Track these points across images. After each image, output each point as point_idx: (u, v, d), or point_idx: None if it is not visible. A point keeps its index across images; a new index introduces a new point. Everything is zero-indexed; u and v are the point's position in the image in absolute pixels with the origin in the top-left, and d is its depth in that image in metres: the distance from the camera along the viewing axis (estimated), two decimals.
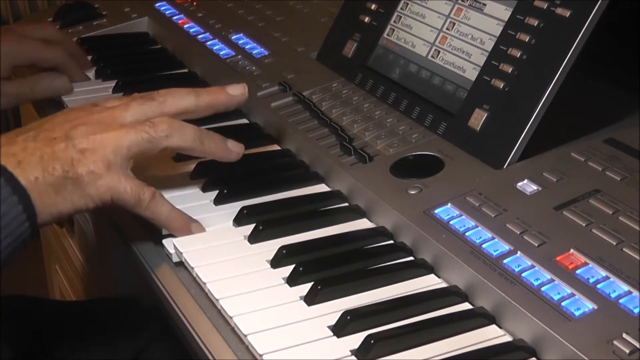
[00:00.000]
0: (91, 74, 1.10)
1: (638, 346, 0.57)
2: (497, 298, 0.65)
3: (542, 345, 0.61)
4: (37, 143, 0.69)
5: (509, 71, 0.80)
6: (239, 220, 0.77)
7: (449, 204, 0.74)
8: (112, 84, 1.06)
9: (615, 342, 0.58)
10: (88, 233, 1.21)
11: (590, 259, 0.66)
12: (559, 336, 0.59)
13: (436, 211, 0.73)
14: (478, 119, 0.81)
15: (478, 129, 0.81)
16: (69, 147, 0.69)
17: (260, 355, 0.61)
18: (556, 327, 0.60)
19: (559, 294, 0.63)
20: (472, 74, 0.84)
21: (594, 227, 0.69)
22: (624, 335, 0.58)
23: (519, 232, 0.69)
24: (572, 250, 0.67)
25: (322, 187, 0.84)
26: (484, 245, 0.69)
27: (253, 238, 0.75)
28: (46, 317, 1.02)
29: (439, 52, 0.89)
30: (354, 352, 0.62)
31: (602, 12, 0.76)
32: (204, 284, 0.69)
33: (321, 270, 0.70)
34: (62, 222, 1.30)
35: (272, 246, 0.73)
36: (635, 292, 0.62)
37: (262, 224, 0.75)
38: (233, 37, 1.14)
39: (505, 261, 0.67)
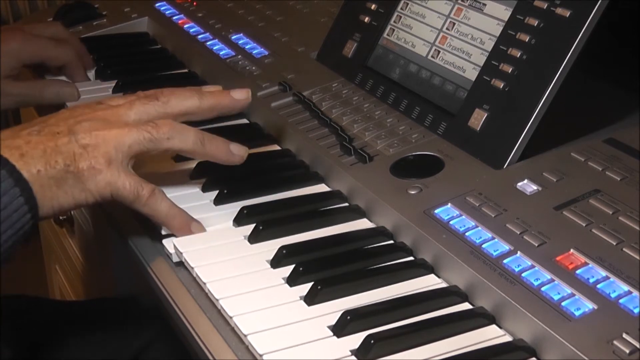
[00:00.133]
0: (91, 74, 1.10)
1: (638, 346, 0.57)
2: (497, 298, 0.65)
3: (542, 345, 0.61)
4: (40, 137, 0.69)
5: (509, 71, 0.80)
6: (239, 220, 0.77)
7: (449, 204, 0.74)
8: (112, 84, 1.06)
9: (615, 342, 0.58)
10: (88, 233, 1.21)
11: (590, 259, 0.66)
12: (559, 336, 0.59)
13: (436, 211, 0.73)
14: (478, 119, 0.81)
15: (478, 129, 0.81)
16: (71, 142, 0.70)
17: (260, 355, 0.61)
18: (556, 327, 0.60)
19: (559, 294, 0.63)
20: (472, 74, 0.84)
21: (594, 227, 0.69)
22: (624, 335, 0.58)
23: (519, 232, 0.69)
24: (572, 250, 0.67)
25: (322, 187, 0.84)
26: (484, 245, 0.69)
27: (253, 238, 0.75)
28: (46, 317, 1.03)
29: (439, 52, 0.89)
30: (354, 352, 0.62)
31: (602, 12, 0.76)
32: (204, 284, 0.69)
33: (321, 270, 0.70)
34: (62, 217, 1.30)
35: (272, 246, 0.73)
36: (635, 292, 0.62)
37: (262, 224, 0.75)
38: (233, 37, 1.14)
39: (505, 261, 0.67)
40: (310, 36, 1.10)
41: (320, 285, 0.67)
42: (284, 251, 0.72)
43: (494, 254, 0.68)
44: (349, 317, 0.63)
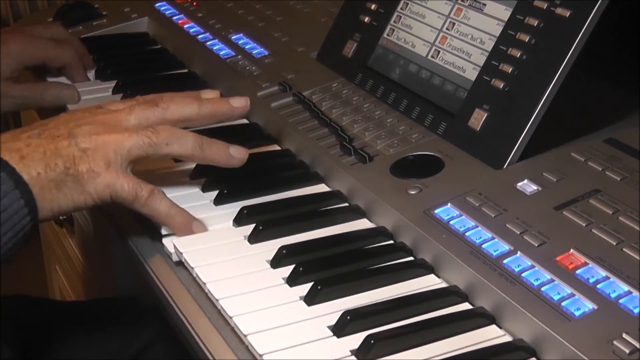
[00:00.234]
0: (91, 74, 1.10)
1: (638, 346, 0.57)
2: (497, 298, 0.65)
3: (542, 345, 0.61)
4: (41, 140, 0.70)
5: (509, 71, 0.80)
6: (239, 220, 0.77)
7: (449, 204, 0.74)
8: (112, 84, 1.06)
9: (615, 342, 0.58)
10: (88, 233, 1.21)
11: (590, 259, 0.65)
12: (559, 336, 0.59)
13: (436, 211, 0.73)
14: (478, 119, 0.81)
15: (478, 129, 0.81)
16: (71, 145, 0.70)
17: (260, 356, 0.61)
18: (556, 327, 0.60)
19: (559, 294, 0.63)
20: (472, 74, 0.84)
21: (594, 227, 0.69)
22: (624, 335, 0.58)
23: (519, 232, 0.69)
24: (572, 250, 0.67)
25: (322, 187, 0.84)
26: (484, 245, 0.69)
27: (253, 238, 0.75)
28: (46, 317, 1.03)
29: (439, 52, 0.89)
30: (354, 352, 0.62)
31: (602, 12, 0.76)
32: (204, 284, 0.69)
33: (321, 270, 0.70)
34: (62, 219, 1.30)
35: (272, 246, 0.73)
36: (635, 292, 0.62)
37: (262, 224, 0.75)
38: (233, 37, 1.14)
39: (505, 261, 0.67)
40: (310, 36, 1.10)
41: (320, 285, 0.67)
42: (284, 251, 0.72)
43: (494, 254, 0.68)
44: (349, 317, 0.63)
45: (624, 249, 0.66)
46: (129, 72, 1.11)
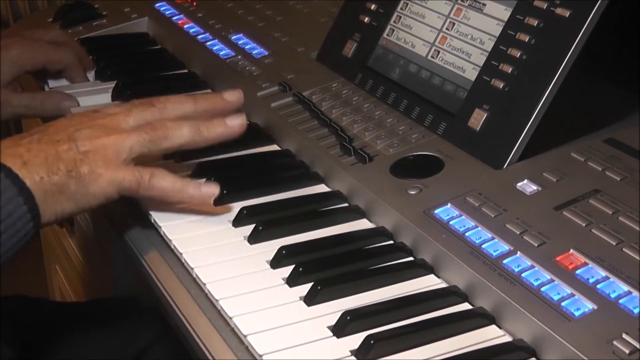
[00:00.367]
0: (91, 74, 1.10)
1: (638, 346, 0.57)
2: (497, 298, 0.65)
3: (542, 346, 0.61)
4: (41, 145, 0.71)
5: (509, 71, 0.80)
6: (239, 220, 0.77)
7: (449, 204, 0.74)
8: (112, 84, 1.06)
9: (615, 342, 0.58)
10: (88, 233, 1.21)
11: (590, 259, 0.65)
12: (559, 336, 0.59)
13: (436, 211, 0.73)
14: (478, 119, 0.81)
15: (478, 129, 0.81)
16: (72, 149, 0.71)
17: (260, 356, 0.61)
18: (556, 327, 0.60)
19: (558, 294, 0.63)
20: (472, 74, 0.84)
21: (594, 227, 0.69)
22: (624, 336, 0.58)
23: (518, 232, 0.69)
24: (572, 250, 0.67)
25: (322, 188, 0.84)
26: (483, 246, 0.69)
27: (253, 238, 0.75)
28: (46, 317, 1.03)
29: (438, 52, 0.89)
30: (354, 353, 0.62)
31: (602, 12, 0.76)
32: (204, 284, 0.69)
33: (321, 271, 0.70)
34: (64, 221, 1.30)
35: (272, 246, 0.73)
36: (635, 292, 0.62)
37: (262, 224, 0.75)
38: (233, 37, 1.14)
39: (505, 261, 0.67)
40: (310, 36, 1.10)
41: (320, 285, 0.67)
42: (284, 251, 0.72)
43: (494, 254, 0.68)
44: (348, 318, 0.63)
45: (624, 249, 0.66)
46: (129, 72, 1.11)
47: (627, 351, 0.57)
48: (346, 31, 1.01)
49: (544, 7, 0.79)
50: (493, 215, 0.72)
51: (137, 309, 1.06)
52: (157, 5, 1.28)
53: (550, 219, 0.71)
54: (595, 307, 0.61)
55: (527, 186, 0.75)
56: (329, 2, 1.20)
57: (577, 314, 0.61)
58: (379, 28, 0.97)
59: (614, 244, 0.67)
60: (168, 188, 0.75)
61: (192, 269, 0.71)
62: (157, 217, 0.78)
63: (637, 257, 0.65)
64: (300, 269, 0.69)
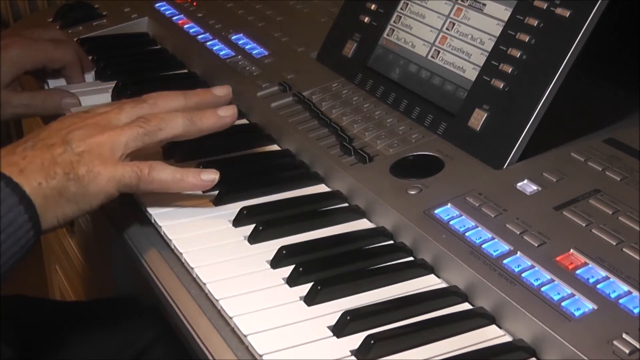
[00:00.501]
0: (91, 75, 1.10)
1: (638, 346, 0.57)
2: (497, 298, 0.65)
3: (542, 346, 0.61)
4: (35, 151, 0.71)
5: (509, 71, 0.80)
6: (239, 220, 0.77)
7: (449, 204, 0.74)
8: (112, 84, 1.06)
9: (615, 342, 0.58)
10: (88, 233, 1.21)
11: (590, 259, 0.65)
12: (559, 336, 0.59)
13: (436, 211, 0.73)
14: (478, 119, 0.81)
15: (478, 129, 0.81)
16: (67, 151, 0.71)
17: (260, 356, 0.61)
18: (556, 327, 0.60)
19: (559, 294, 0.63)
20: (472, 74, 0.84)
21: (594, 227, 0.69)
22: (624, 336, 0.58)
23: (519, 232, 0.69)
24: (572, 250, 0.67)
25: (322, 187, 0.84)
26: (484, 246, 0.69)
27: (253, 238, 0.75)
28: (46, 317, 1.03)
29: (438, 52, 0.89)
30: (354, 353, 0.62)
31: (602, 12, 0.76)
32: (204, 284, 0.69)
33: (321, 271, 0.70)
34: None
35: (272, 246, 0.73)
36: (635, 292, 0.62)
37: (262, 224, 0.75)
38: (233, 37, 1.14)
39: (505, 261, 0.67)
40: (310, 36, 1.10)
41: (320, 285, 0.67)
42: (284, 251, 0.72)
43: (494, 254, 0.68)
44: (349, 318, 0.63)
45: (624, 249, 0.66)
46: (129, 72, 1.11)
47: (627, 351, 0.57)
48: (346, 31, 1.01)
49: (544, 7, 0.79)
50: (493, 215, 0.72)
51: (137, 309, 1.06)
52: (157, 5, 1.28)
53: (550, 219, 0.71)
54: (595, 307, 0.61)
55: (527, 186, 0.75)
56: (329, 2, 1.20)
57: (577, 314, 0.61)
58: (379, 28, 0.97)
59: (614, 244, 0.67)
60: (168, 179, 0.75)
61: (192, 268, 0.71)
62: (157, 217, 0.78)
63: (637, 257, 0.65)
64: (301, 269, 0.69)
